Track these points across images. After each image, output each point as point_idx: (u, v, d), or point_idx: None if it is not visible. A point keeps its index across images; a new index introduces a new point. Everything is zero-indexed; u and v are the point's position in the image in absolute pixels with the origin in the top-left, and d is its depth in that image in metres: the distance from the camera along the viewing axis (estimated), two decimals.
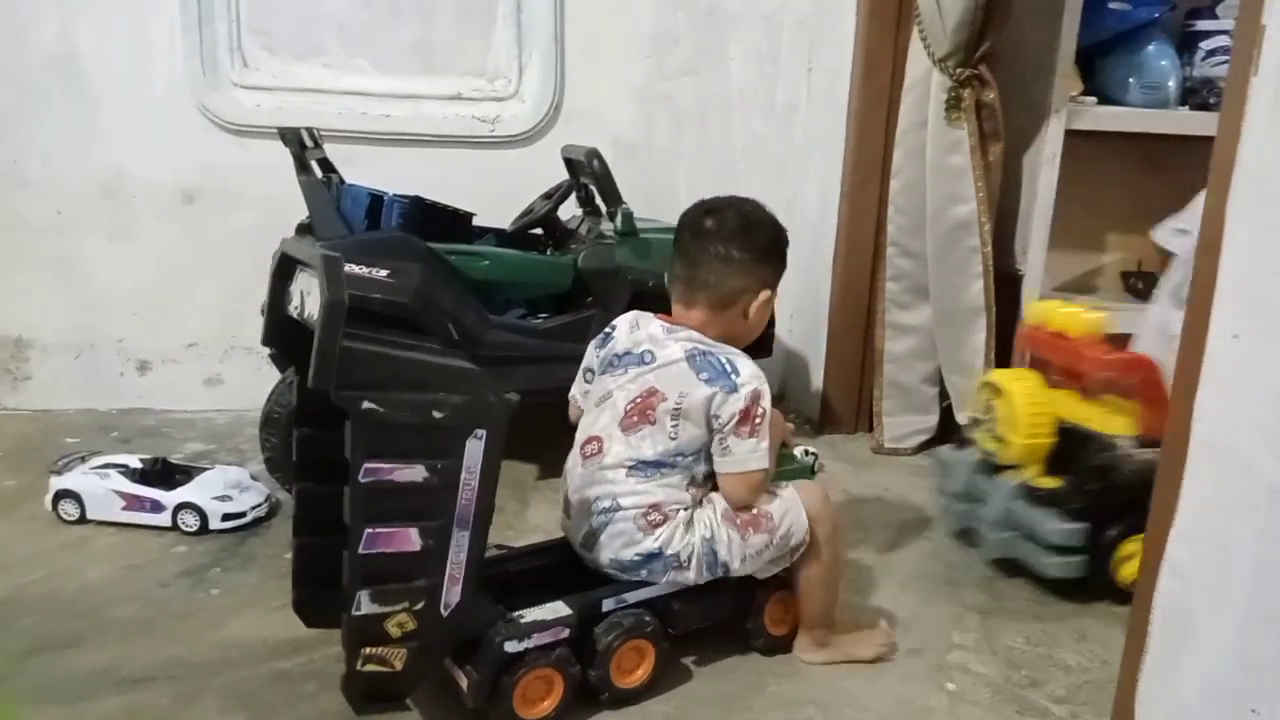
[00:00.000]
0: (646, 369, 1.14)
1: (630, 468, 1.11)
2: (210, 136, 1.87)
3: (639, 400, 1.12)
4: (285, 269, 1.06)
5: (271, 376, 1.51)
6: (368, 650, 0.94)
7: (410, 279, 1.51)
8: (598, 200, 1.68)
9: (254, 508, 1.46)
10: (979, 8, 1.55)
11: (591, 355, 1.23)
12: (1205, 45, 1.86)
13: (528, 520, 1.53)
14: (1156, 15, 1.84)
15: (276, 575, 1.32)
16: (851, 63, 1.84)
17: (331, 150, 1.70)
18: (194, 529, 1.42)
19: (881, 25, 1.78)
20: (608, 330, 1.22)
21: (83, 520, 1.44)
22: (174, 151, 1.87)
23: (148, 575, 1.32)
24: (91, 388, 1.94)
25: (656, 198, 1.90)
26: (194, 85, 1.85)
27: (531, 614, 1.02)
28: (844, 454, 1.87)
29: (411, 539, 0.93)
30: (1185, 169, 1.58)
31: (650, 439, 1.11)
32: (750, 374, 1.11)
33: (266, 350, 1.67)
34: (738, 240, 1.15)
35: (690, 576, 1.11)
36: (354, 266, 0.96)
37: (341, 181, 1.68)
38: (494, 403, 0.94)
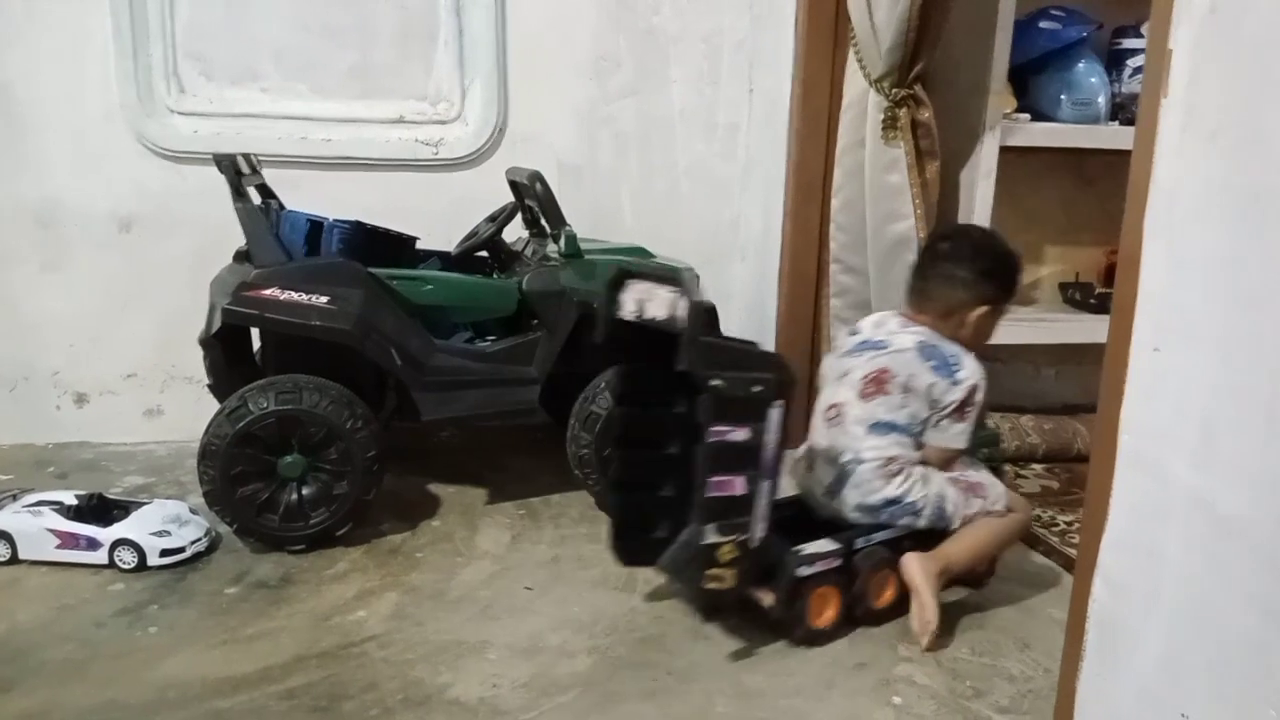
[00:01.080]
0: (881, 353, 1.37)
1: (869, 426, 1.34)
2: (146, 163, 1.84)
3: (873, 375, 1.35)
4: (618, 282, 1.29)
5: (211, 407, 1.48)
6: (711, 571, 1.20)
7: (350, 305, 1.52)
8: (543, 222, 1.67)
9: (193, 542, 1.42)
10: (912, 29, 1.58)
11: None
12: (1131, 63, 1.91)
13: (477, 545, 1.51)
14: (1085, 34, 1.89)
15: (216, 611, 1.29)
16: (791, 83, 1.87)
17: (273, 175, 1.68)
18: (131, 566, 1.38)
19: (819, 47, 1.81)
20: (853, 329, 1.46)
21: (14, 561, 1.39)
22: (109, 179, 1.84)
23: (82, 615, 1.27)
24: (27, 422, 1.89)
25: (601, 219, 1.91)
26: (129, 112, 1.82)
27: (810, 547, 1.27)
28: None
29: (739, 485, 1.20)
30: (1116, 182, 1.62)
31: (884, 405, 1.34)
32: (971, 370, 1.34)
33: (206, 381, 1.67)
34: (962, 262, 1.39)
35: (921, 523, 1.33)
36: None
37: (281, 207, 1.66)
38: (789, 380, 1.20)
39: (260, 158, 1.67)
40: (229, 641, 1.22)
